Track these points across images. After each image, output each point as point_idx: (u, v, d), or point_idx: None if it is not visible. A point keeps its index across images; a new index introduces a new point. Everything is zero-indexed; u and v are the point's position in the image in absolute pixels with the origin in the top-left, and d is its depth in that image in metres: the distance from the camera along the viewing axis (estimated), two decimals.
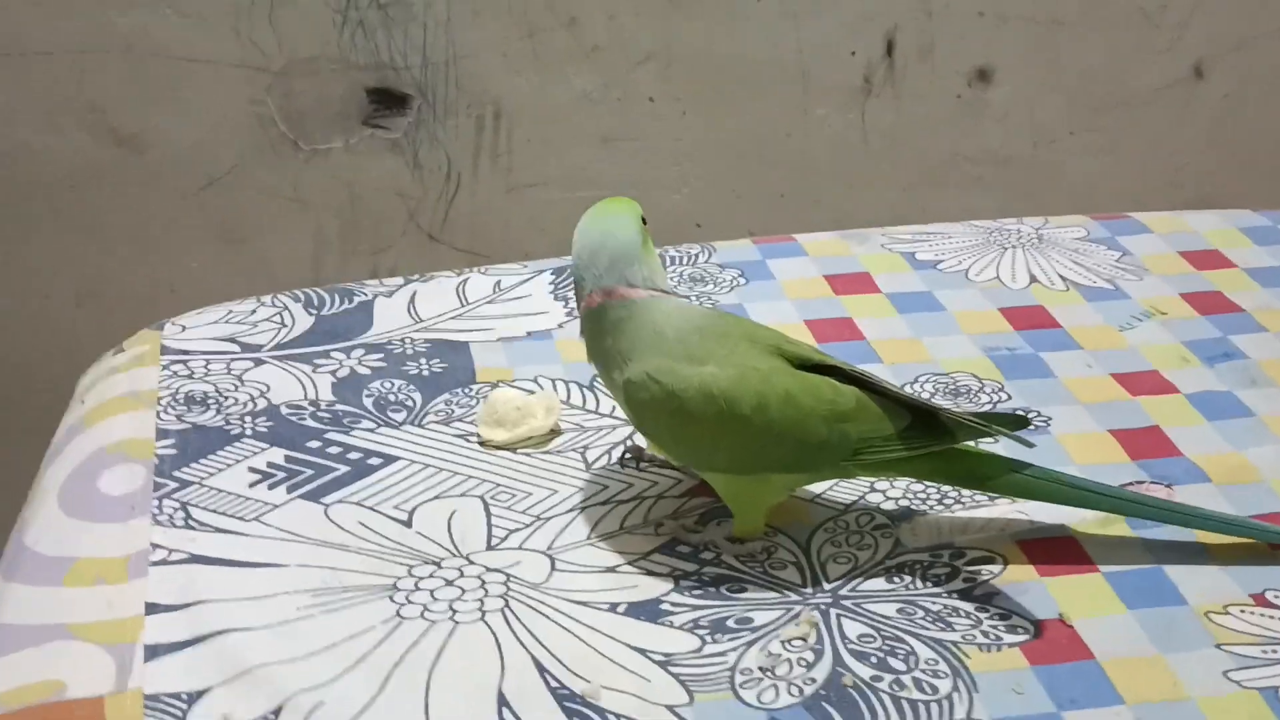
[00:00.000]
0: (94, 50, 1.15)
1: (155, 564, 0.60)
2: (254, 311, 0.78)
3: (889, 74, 1.28)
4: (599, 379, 0.65)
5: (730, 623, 0.57)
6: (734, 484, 0.61)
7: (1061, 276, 0.81)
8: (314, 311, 0.79)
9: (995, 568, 0.59)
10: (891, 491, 0.64)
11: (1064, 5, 1.27)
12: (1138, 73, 1.31)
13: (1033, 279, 0.81)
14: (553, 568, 0.60)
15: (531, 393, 0.71)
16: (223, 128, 1.20)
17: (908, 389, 0.70)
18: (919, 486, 0.64)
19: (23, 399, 1.25)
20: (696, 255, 0.84)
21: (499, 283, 0.82)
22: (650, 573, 0.60)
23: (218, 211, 1.24)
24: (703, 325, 0.60)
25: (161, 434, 0.68)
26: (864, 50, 1.27)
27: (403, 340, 0.76)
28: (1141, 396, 0.70)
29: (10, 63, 1.15)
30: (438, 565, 0.60)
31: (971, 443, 0.61)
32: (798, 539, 0.61)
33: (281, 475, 0.66)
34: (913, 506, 0.63)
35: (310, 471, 0.66)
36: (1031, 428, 0.63)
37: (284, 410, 0.70)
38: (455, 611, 0.57)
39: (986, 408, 0.69)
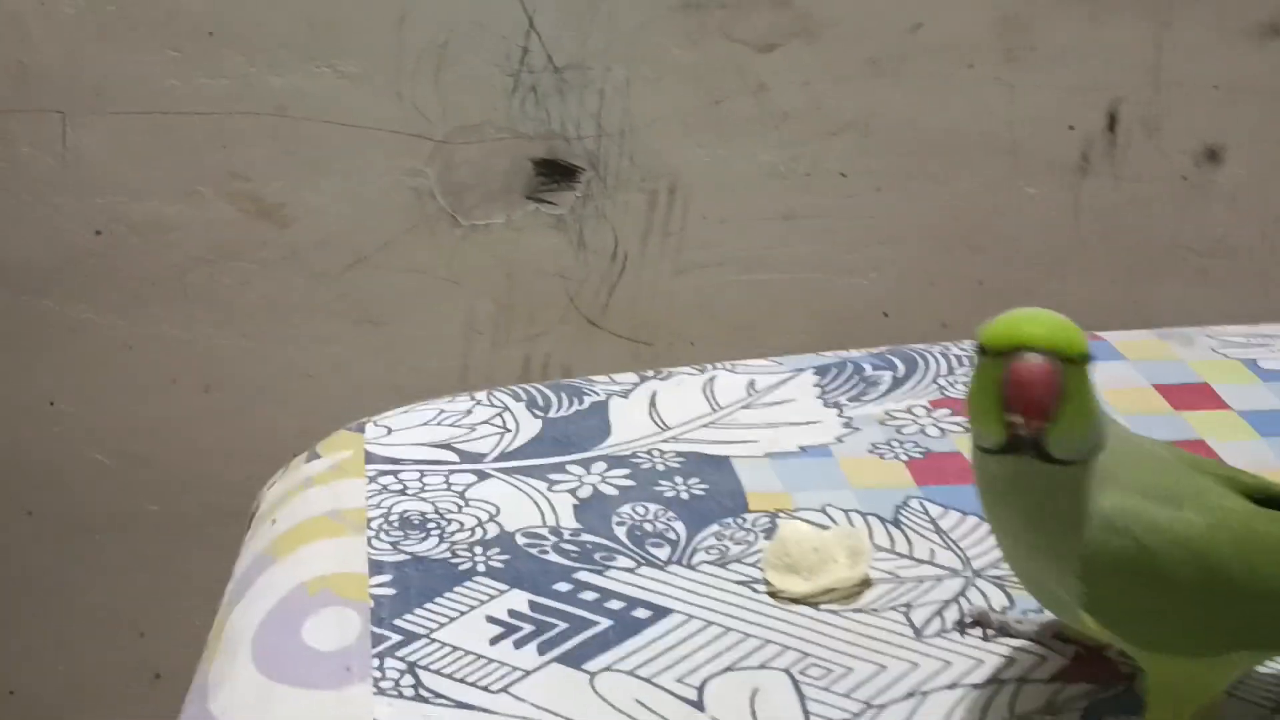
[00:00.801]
0: (242, 113, 1.05)
1: None
2: (469, 412, 0.66)
3: (1109, 150, 1.15)
4: (1002, 538, 0.48)
5: None
6: (1174, 668, 0.46)
7: None
8: (539, 413, 0.66)
9: None
10: None
11: None
12: None
13: None
14: None
15: (825, 528, 0.57)
16: (376, 200, 1.09)
17: None
18: None
19: (145, 494, 1.14)
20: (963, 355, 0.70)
21: (752, 383, 0.68)
22: None
23: (363, 291, 1.13)
24: (1155, 450, 0.47)
25: (375, 567, 0.55)
26: (1083, 124, 1.14)
27: (650, 452, 0.63)
28: None
29: (149, 123, 1.05)
30: None
31: None
32: None
33: (528, 629, 0.52)
34: None
35: (564, 625, 0.52)
36: None
37: (520, 540, 0.57)
38: None
39: None
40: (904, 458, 0.62)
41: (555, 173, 1.11)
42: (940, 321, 1.15)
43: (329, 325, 1.13)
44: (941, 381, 0.68)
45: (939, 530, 0.57)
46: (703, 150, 1.12)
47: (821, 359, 0.70)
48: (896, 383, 0.68)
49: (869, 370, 0.69)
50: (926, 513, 0.58)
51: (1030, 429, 0.42)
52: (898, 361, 0.70)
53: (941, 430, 0.64)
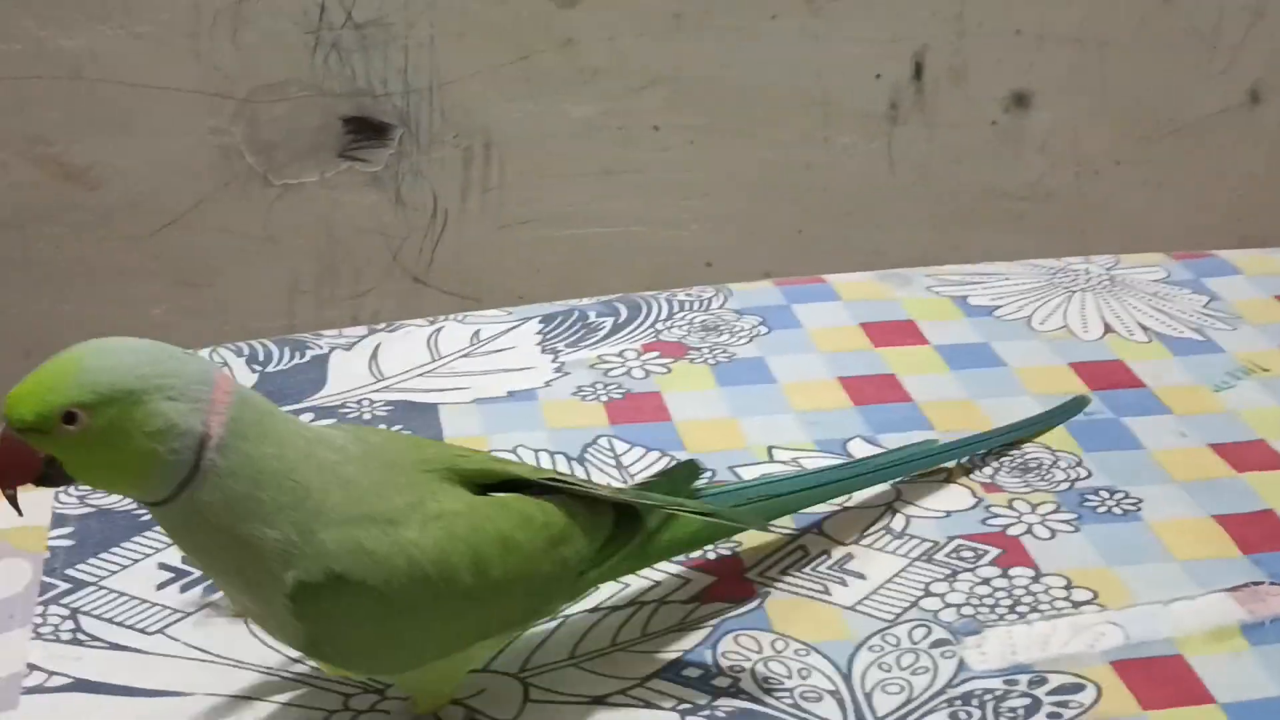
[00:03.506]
0: (37, 77, 1.04)
1: (28, 691, 0.48)
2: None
3: (918, 99, 1.17)
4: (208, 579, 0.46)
5: None
6: (420, 674, 0.45)
7: (1141, 325, 0.69)
8: (258, 367, 0.67)
9: (1085, 697, 0.47)
10: (951, 595, 0.51)
11: (1110, 24, 1.16)
12: (1190, 97, 1.19)
13: (1108, 328, 0.69)
14: (526, 696, 0.48)
15: None
16: (183, 161, 1.09)
17: (962, 463, 0.58)
18: (984, 589, 0.52)
19: None
20: (710, 299, 0.72)
21: (478, 332, 0.70)
22: (649, 704, 0.47)
23: (180, 253, 1.13)
24: (357, 453, 0.43)
25: (58, 520, 0.56)
26: (890, 73, 1.15)
27: (359, 402, 0.64)
28: (1248, 473, 0.58)
29: None
30: (382, 696, 0.48)
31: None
32: (836, 660, 0.49)
33: (197, 573, 0.53)
34: (978, 615, 0.50)
35: None
36: (705, 476, 0.51)
37: None
38: None
39: (1063, 487, 0.57)
40: (604, 399, 0.64)
41: (367, 130, 1.12)
42: (763, 270, 1.17)
43: (148, 287, 1.14)
44: (659, 326, 0.69)
45: (619, 465, 0.59)
46: (514, 106, 1.13)
47: (550, 308, 0.72)
48: (616, 328, 0.69)
49: (592, 317, 0.70)
50: (612, 449, 0.60)
51: (5, 495, 0.41)
52: (622, 308, 0.71)
53: (646, 372, 0.66)
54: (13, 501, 0.41)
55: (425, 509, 0.42)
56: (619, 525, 0.47)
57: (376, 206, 1.14)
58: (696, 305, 0.72)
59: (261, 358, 0.68)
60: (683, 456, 0.60)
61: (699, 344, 0.68)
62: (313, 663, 0.47)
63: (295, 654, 0.48)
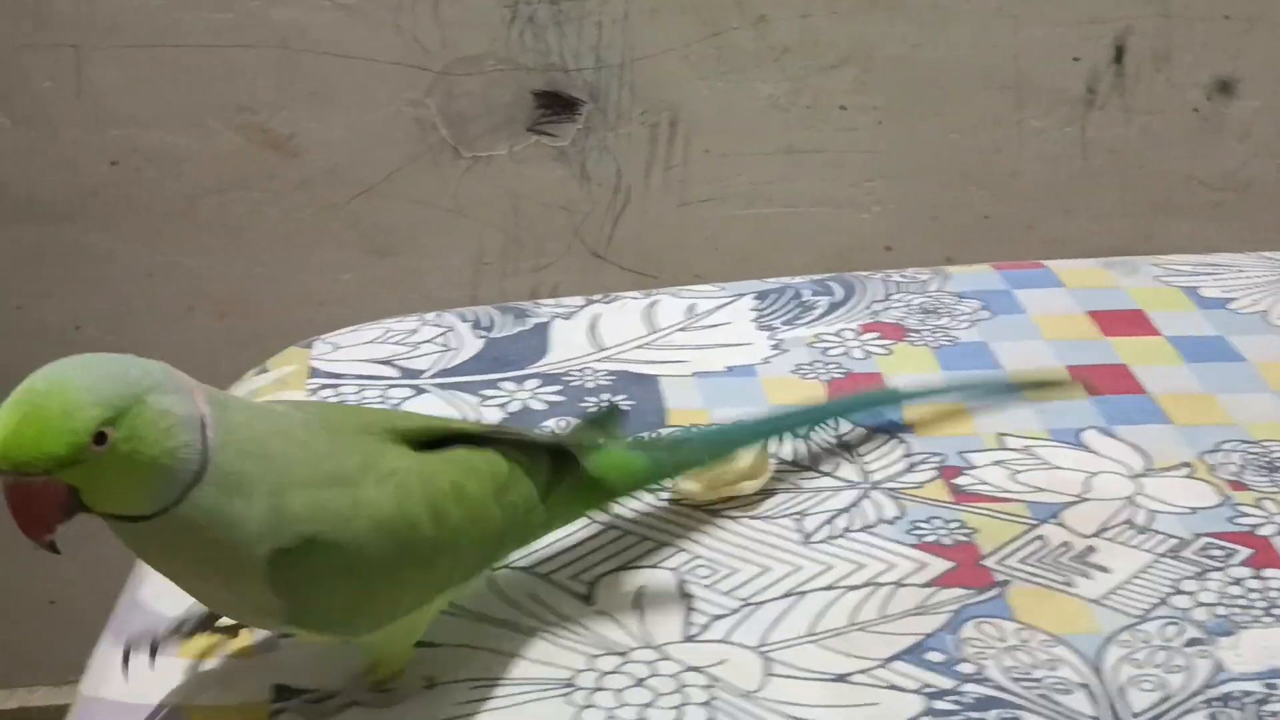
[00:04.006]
0: (246, 45, 1.08)
1: (283, 635, 0.49)
2: (415, 331, 0.68)
3: (1117, 82, 1.13)
4: (182, 582, 0.43)
5: None
6: (384, 633, 0.45)
7: None
8: (483, 334, 0.68)
9: None
10: (1203, 594, 0.50)
11: None
12: None
13: None
14: (767, 671, 0.48)
15: None
16: (380, 132, 1.11)
17: (1206, 458, 0.56)
18: (1236, 589, 0.50)
19: None
20: (927, 282, 0.71)
21: (693, 307, 0.70)
22: (893, 686, 0.47)
23: (371, 222, 1.15)
24: (301, 419, 0.43)
25: None
26: (1089, 56, 1.12)
27: (581, 370, 0.65)
28: None
29: (158, 56, 1.08)
30: (624, 657, 0.48)
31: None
32: (1085, 653, 0.48)
33: None
34: (1232, 616, 0.49)
35: None
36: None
37: None
38: None
39: None
40: (825, 378, 0.63)
41: (556, 105, 1.13)
42: (945, 256, 1.15)
43: (340, 254, 1.17)
44: (876, 307, 0.69)
45: (844, 445, 0.59)
46: (703, 83, 1.12)
47: (764, 285, 0.71)
48: (832, 307, 0.69)
49: (807, 296, 0.70)
50: (836, 428, 0.60)
51: (43, 544, 0.39)
52: (836, 287, 0.71)
53: (866, 353, 0.65)
54: (54, 547, 0.39)
55: (377, 468, 0.43)
56: (556, 472, 0.49)
57: (562, 181, 1.16)
58: (913, 287, 0.71)
59: (485, 323, 0.69)
60: (910, 439, 0.59)
61: (919, 326, 0.67)
62: (289, 630, 0.46)
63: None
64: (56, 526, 0.39)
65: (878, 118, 1.14)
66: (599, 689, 0.47)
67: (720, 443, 0.55)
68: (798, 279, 0.72)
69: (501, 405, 0.63)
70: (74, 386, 0.38)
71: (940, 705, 0.46)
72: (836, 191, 1.17)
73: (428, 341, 0.68)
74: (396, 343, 0.68)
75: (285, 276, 1.16)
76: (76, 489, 0.38)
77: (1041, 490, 0.55)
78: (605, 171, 1.16)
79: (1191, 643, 0.48)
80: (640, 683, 0.47)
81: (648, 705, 0.46)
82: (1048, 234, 1.17)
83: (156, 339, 1.17)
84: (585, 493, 0.50)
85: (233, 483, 0.40)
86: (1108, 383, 0.62)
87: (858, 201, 1.18)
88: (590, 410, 0.58)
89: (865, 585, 0.52)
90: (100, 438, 0.38)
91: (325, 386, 0.64)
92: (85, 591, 1.27)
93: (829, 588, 0.51)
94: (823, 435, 0.59)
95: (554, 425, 0.59)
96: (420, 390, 0.64)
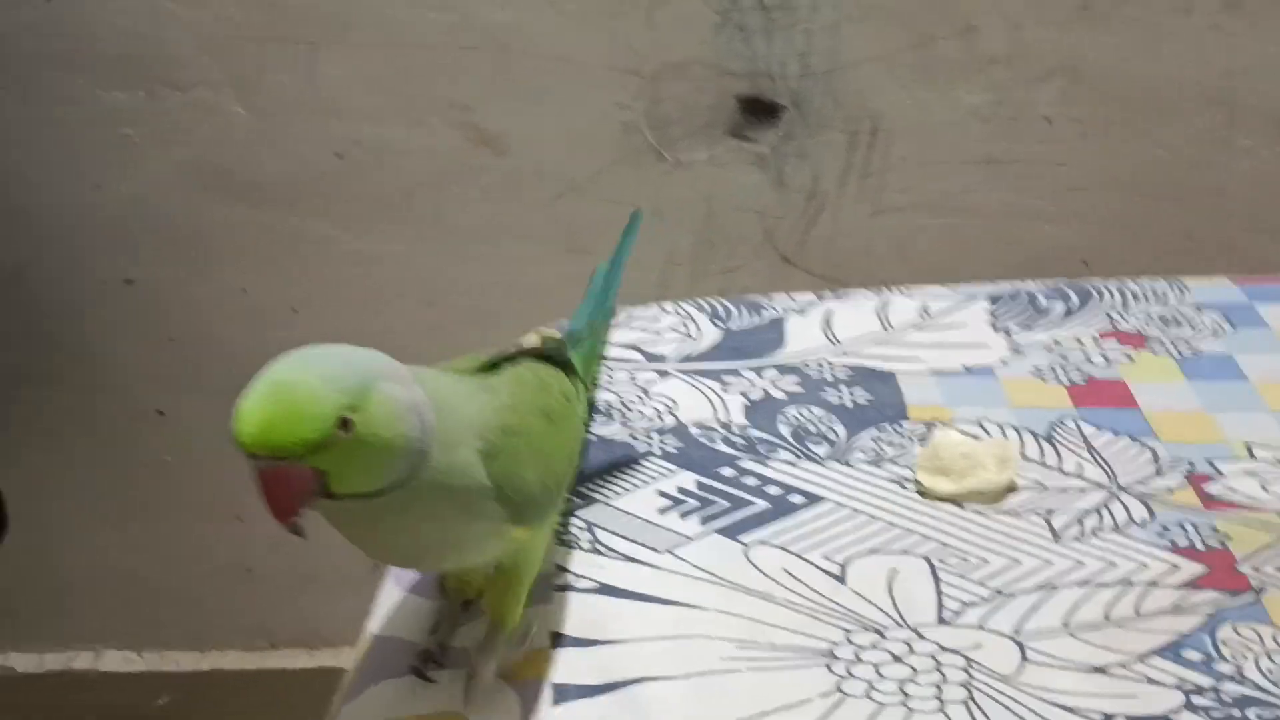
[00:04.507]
0: (466, 46, 1.13)
1: (559, 589, 0.52)
2: (657, 319, 0.71)
3: None
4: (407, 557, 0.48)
5: None
6: (527, 546, 0.49)
7: None
8: (720, 323, 0.70)
9: None
10: None
11: None
12: None
13: None
14: (1023, 658, 0.49)
15: (978, 439, 0.60)
16: (587, 133, 1.15)
17: None
18: None
19: None
20: (1165, 293, 0.71)
21: (925, 307, 0.71)
22: (1151, 680, 0.48)
23: (571, 221, 1.19)
24: (447, 378, 0.47)
25: None
26: None
27: (820, 364, 0.67)
28: None
29: (386, 54, 1.13)
30: (880, 634, 0.50)
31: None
32: None
33: (694, 504, 0.57)
34: None
35: (725, 503, 0.57)
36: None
37: (693, 431, 0.62)
38: (908, 696, 0.47)
39: None
40: (1066, 382, 0.64)
41: (758, 111, 1.15)
42: (1141, 273, 1.13)
43: (541, 251, 1.20)
44: (1114, 314, 0.69)
45: (1090, 447, 0.60)
46: (906, 92, 1.13)
47: (996, 288, 0.72)
48: (1069, 313, 0.70)
49: (1042, 300, 0.71)
50: (1080, 431, 0.60)
51: (290, 525, 0.41)
52: (1071, 293, 0.71)
53: (1107, 360, 0.65)
54: (300, 530, 0.41)
55: (489, 387, 0.47)
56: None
57: (758, 186, 1.17)
58: (1150, 297, 0.71)
59: (722, 314, 0.71)
60: (1155, 445, 0.59)
61: (1159, 335, 0.67)
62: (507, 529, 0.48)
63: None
64: (304, 509, 0.41)
65: (1082, 130, 1.14)
66: (858, 660, 0.49)
67: (602, 310, 0.60)
68: (1030, 283, 0.73)
69: (743, 393, 0.65)
70: (316, 376, 0.41)
71: (1199, 701, 0.47)
72: (1033, 204, 1.17)
73: (670, 329, 0.70)
74: (640, 329, 0.71)
75: (488, 271, 1.21)
76: (324, 473, 0.41)
77: None
78: (801, 177, 1.17)
79: None
80: (897, 659, 0.49)
81: (907, 680, 0.48)
82: (1249, 255, 1.15)
83: (368, 324, 1.23)
84: (581, 390, 0.55)
85: (450, 440, 0.44)
86: None
87: (1055, 215, 1.17)
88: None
89: (1118, 583, 0.52)
90: (345, 424, 0.40)
91: None
92: (279, 560, 1.33)
93: (1082, 584, 0.52)
94: (1067, 438, 0.60)
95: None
96: (665, 374, 0.66)
